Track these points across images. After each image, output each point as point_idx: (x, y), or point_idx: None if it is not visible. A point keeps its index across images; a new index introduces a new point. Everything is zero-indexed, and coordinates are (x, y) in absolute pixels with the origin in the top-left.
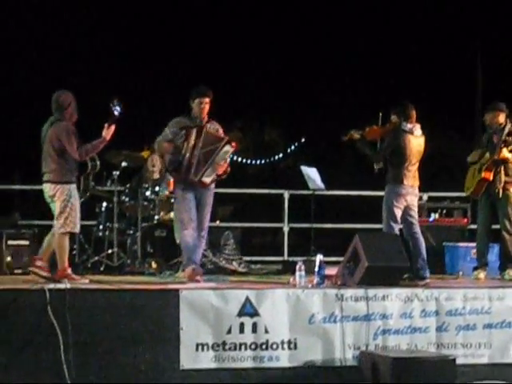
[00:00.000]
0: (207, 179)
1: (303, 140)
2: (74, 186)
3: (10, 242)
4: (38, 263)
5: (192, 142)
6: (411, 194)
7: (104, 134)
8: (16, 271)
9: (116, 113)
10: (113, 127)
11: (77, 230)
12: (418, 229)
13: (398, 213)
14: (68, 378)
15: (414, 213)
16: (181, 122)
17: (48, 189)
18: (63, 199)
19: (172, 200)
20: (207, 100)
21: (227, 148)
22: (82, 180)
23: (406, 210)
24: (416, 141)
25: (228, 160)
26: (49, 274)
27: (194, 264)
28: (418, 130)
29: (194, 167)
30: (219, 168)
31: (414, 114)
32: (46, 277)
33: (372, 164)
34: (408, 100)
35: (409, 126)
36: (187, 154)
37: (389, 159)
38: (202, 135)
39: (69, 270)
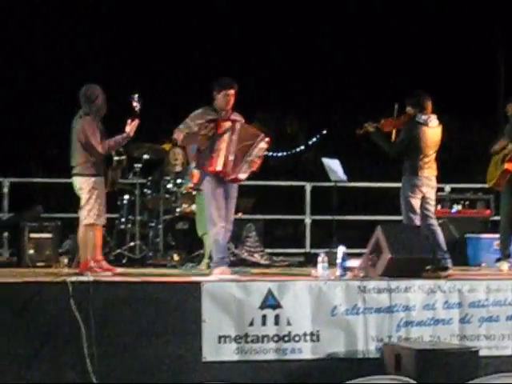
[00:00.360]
0: (243, 176)
1: (325, 132)
2: (99, 179)
3: (33, 235)
4: (92, 264)
5: (226, 136)
6: (427, 186)
7: (127, 129)
8: (38, 264)
9: (137, 108)
10: (136, 122)
11: (100, 222)
12: (433, 220)
13: (416, 203)
14: (91, 371)
15: (429, 205)
16: (205, 114)
17: (75, 182)
18: (87, 191)
19: (194, 193)
20: (233, 92)
21: (263, 144)
22: (110, 173)
23: (422, 202)
24: (431, 132)
25: (262, 156)
26: (110, 268)
27: (225, 264)
28: (433, 120)
29: (232, 163)
30: (254, 164)
31: (429, 104)
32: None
33: (388, 155)
34: (423, 90)
35: (423, 117)
36: (222, 149)
37: (404, 151)
38: (238, 130)
39: (92, 263)
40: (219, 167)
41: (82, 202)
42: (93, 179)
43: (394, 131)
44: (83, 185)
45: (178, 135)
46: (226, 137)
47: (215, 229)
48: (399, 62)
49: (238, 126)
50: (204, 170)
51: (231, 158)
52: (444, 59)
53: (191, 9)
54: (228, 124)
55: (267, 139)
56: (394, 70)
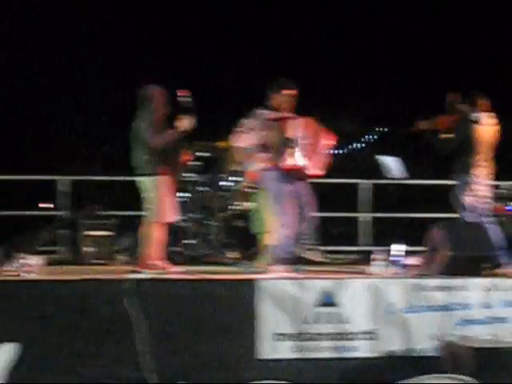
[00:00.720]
0: (320, 171)
1: (382, 129)
2: (163, 178)
3: (90, 233)
4: (150, 262)
5: (297, 132)
6: (479, 184)
7: (178, 124)
8: (95, 261)
9: (185, 103)
10: (188, 118)
11: (165, 220)
12: (487, 218)
13: (469, 201)
14: (148, 368)
15: (482, 203)
16: (264, 113)
17: (138, 181)
18: (150, 190)
19: (249, 190)
20: (294, 93)
21: (329, 140)
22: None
23: (474, 200)
24: (484, 130)
25: (329, 152)
26: (165, 266)
27: (282, 262)
28: (486, 119)
29: (307, 159)
30: (325, 159)
31: (482, 103)
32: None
33: (440, 153)
34: (477, 90)
35: (476, 115)
36: (294, 146)
37: (456, 149)
38: (307, 126)
39: (150, 261)
40: (295, 163)
41: (145, 200)
42: (156, 178)
43: (446, 129)
44: (145, 184)
45: (238, 136)
46: (297, 133)
47: (283, 231)
48: (455, 61)
49: (306, 121)
50: (276, 169)
51: (305, 153)
52: (500, 58)
53: (239, 10)
54: (295, 120)
55: (333, 135)
56: (449, 67)
